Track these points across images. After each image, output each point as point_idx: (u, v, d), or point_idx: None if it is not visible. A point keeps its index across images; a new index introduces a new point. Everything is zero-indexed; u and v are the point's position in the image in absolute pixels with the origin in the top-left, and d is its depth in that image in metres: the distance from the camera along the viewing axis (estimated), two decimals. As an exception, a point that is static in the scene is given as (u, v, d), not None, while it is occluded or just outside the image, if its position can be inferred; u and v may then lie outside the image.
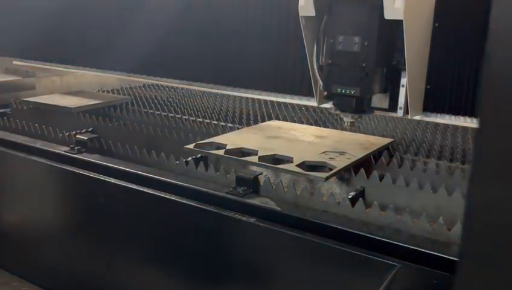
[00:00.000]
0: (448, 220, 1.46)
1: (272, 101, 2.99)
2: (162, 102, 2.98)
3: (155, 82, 2.78)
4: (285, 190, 1.70)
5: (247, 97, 3.11)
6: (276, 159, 1.80)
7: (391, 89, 1.77)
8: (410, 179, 1.69)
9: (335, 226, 1.53)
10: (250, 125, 2.42)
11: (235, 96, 3.17)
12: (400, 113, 1.75)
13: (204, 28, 2.26)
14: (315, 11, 1.68)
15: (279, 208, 1.63)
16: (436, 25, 1.69)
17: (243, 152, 1.86)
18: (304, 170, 1.67)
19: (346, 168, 1.74)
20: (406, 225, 1.49)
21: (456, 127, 2.46)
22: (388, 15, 1.55)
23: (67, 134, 2.32)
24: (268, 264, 1.64)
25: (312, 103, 2.00)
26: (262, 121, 2.50)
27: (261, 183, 1.74)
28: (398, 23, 1.56)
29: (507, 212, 0.58)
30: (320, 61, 1.77)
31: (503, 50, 0.56)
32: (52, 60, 2.90)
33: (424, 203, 1.62)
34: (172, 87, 3.50)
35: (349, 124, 1.81)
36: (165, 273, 1.90)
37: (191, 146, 1.92)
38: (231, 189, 1.74)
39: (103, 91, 3.24)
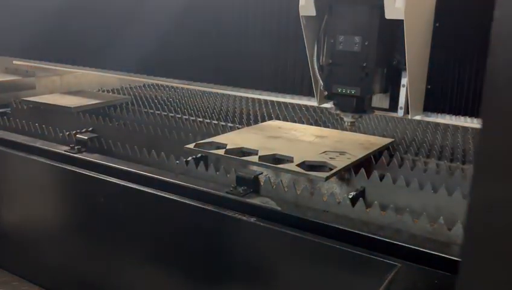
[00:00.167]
0: (448, 220, 1.45)
1: (272, 101, 2.99)
2: (162, 102, 2.97)
3: (155, 82, 2.79)
4: (286, 189, 1.70)
5: (247, 97, 3.11)
6: (276, 159, 1.80)
7: (391, 89, 1.77)
8: (410, 179, 1.68)
9: (335, 226, 1.52)
10: (250, 125, 2.42)
11: (235, 96, 3.17)
12: (400, 113, 1.75)
13: (204, 27, 2.26)
14: (316, 10, 1.67)
15: (279, 208, 1.63)
16: (437, 24, 1.69)
17: (243, 152, 1.86)
18: (304, 169, 1.67)
19: (347, 168, 1.74)
20: (407, 225, 1.49)
21: (456, 127, 2.46)
22: (389, 15, 1.55)
23: (67, 133, 2.32)
24: (269, 264, 1.63)
25: (312, 102, 2.00)
26: (262, 121, 2.50)
27: (262, 183, 1.74)
28: (399, 23, 1.56)
29: (510, 212, 0.58)
30: (320, 61, 1.77)
31: (506, 50, 0.56)
32: (52, 60, 2.90)
33: (425, 203, 1.62)
34: (172, 87, 3.50)
35: (349, 123, 1.81)
36: (165, 273, 1.90)
37: (191, 146, 1.92)
38: (231, 189, 1.74)
39: (103, 91, 3.24)
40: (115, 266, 2.06)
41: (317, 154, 1.82)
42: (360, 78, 1.65)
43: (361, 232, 1.48)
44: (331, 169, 1.68)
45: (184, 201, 1.77)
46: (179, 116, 2.66)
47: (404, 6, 1.51)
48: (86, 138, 2.21)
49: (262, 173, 1.80)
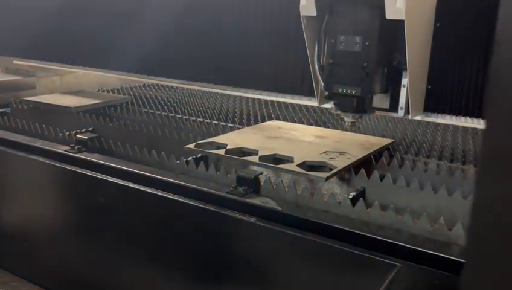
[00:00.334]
0: (448, 220, 1.46)
1: (272, 101, 2.99)
2: (162, 102, 2.97)
3: (156, 82, 2.79)
4: (286, 189, 1.70)
5: (247, 97, 3.11)
6: (276, 159, 1.80)
7: (392, 89, 1.77)
8: (410, 179, 1.69)
9: (336, 226, 1.52)
10: (251, 125, 2.42)
11: (235, 96, 3.18)
12: (401, 113, 1.75)
13: (204, 27, 2.26)
14: (316, 11, 1.67)
15: (279, 208, 1.63)
16: (437, 25, 1.69)
17: (243, 152, 1.86)
18: (304, 169, 1.67)
19: (347, 168, 1.74)
20: (407, 225, 1.49)
21: (456, 128, 2.46)
22: (389, 15, 1.55)
23: (67, 133, 2.32)
24: (269, 264, 1.64)
25: (313, 103, 2.00)
26: (262, 121, 2.50)
27: (262, 183, 1.74)
28: (399, 23, 1.56)
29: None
30: (321, 61, 1.77)
31: (510, 50, 0.56)
32: (52, 60, 2.90)
33: (425, 204, 1.62)
34: (172, 87, 3.50)
35: (350, 124, 1.81)
36: (165, 273, 1.90)
37: (191, 146, 1.92)
38: (232, 189, 1.74)
39: (103, 91, 3.24)
40: (115, 266, 2.06)
41: (318, 154, 1.83)
42: (361, 78, 1.65)
43: (361, 233, 1.48)
44: (332, 169, 1.68)
45: (184, 201, 1.77)
46: (179, 116, 2.66)
47: (404, 6, 1.51)
48: (86, 137, 2.21)
49: (262, 173, 1.80)
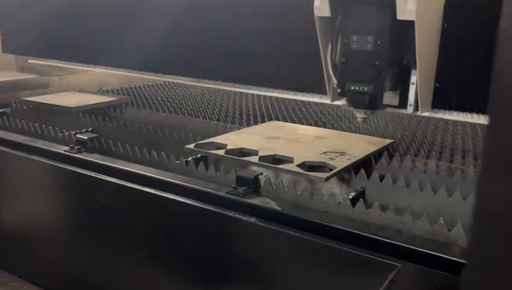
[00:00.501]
0: (448, 220, 1.46)
1: (272, 102, 2.99)
2: (162, 102, 2.97)
3: (170, 80, 2.89)
4: (286, 190, 1.70)
5: (247, 98, 3.12)
6: (276, 159, 1.80)
7: (401, 86, 1.83)
8: (410, 180, 1.69)
9: (335, 226, 1.53)
10: (251, 125, 2.42)
11: (234, 97, 3.18)
12: (410, 110, 1.80)
13: (207, 28, 2.31)
14: (330, 11, 1.73)
15: (279, 208, 1.63)
16: (445, 25, 1.74)
17: (243, 152, 1.86)
18: (304, 170, 1.67)
19: (347, 169, 1.74)
20: (407, 226, 1.49)
21: (456, 128, 2.46)
22: (401, 16, 1.60)
23: (67, 134, 2.32)
24: (269, 265, 1.64)
25: (324, 100, 2.04)
26: (262, 122, 2.50)
27: (262, 183, 1.74)
28: (409, 24, 1.61)
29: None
30: (334, 59, 1.82)
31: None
32: (67, 59, 2.97)
33: (425, 204, 1.62)
34: (172, 87, 3.50)
35: (362, 119, 1.87)
36: (165, 274, 1.90)
37: (191, 146, 1.92)
38: (231, 189, 1.74)
39: (103, 91, 3.24)
40: (115, 267, 2.06)
41: (317, 154, 1.83)
42: (373, 76, 1.71)
43: (361, 233, 1.48)
44: (331, 169, 1.68)
45: (184, 201, 1.77)
46: (179, 116, 2.65)
47: (415, 8, 1.56)
48: (86, 138, 2.21)
49: (262, 174, 1.80)
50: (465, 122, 2.39)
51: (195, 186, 1.80)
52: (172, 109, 2.81)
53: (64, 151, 2.18)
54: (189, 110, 2.78)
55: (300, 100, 3.05)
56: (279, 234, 1.57)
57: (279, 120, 2.53)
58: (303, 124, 2.48)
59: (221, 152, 1.85)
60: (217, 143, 1.94)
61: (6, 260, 2.45)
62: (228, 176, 1.82)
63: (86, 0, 2.75)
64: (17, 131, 2.48)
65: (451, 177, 1.74)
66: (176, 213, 1.82)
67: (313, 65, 1.98)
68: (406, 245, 1.41)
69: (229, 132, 2.26)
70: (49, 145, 2.27)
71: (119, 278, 2.06)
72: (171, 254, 1.86)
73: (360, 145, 1.98)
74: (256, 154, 1.80)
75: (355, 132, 2.31)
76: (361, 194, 1.70)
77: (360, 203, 1.58)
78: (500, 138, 0.58)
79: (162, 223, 1.88)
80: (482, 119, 1.76)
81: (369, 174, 1.76)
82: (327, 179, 1.62)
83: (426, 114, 1.84)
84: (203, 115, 2.68)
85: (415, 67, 1.71)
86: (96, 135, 2.26)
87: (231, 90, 3.38)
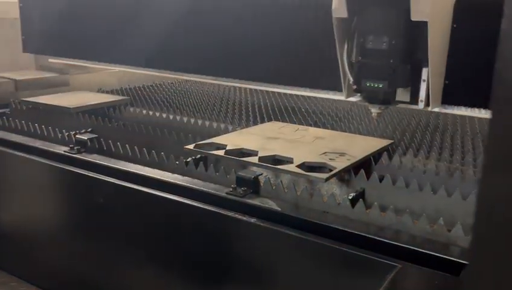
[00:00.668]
0: (448, 221, 1.46)
1: (272, 103, 2.99)
2: (162, 102, 2.97)
3: (191, 79, 3.00)
4: (286, 190, 1.70)
5: (247, 98, 3.12)
6: (276, 160, 1.80)
7: (412, 83, 1.92)
8: (410, 180, 1.69)
9: (335, 226, 1.53)
10: (250, 126, 2.42)
11: (234, 97, 3.18)
12: (421, 105, 1.89)
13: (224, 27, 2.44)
14: (347, 12, 1.83)
15: (279, 209, 1.64)
16: (455, 26, 1.85)
17: (243, 153, 1.86)
18: (304, 170, 1.67)
19: (346, 169, 1.74)
20: (406, 226, 1.49)
21: (455, 129, 2.47)
22: (414, 17, 1.71)
23: (66, 134, 2.32)
24: (269, 265, 1.64)
25: (339, 96, 2.14)
26: (262, 122, 2.51)
27: (261, 184, 1.74)
28: (422, 24, 1.70)
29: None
30: (351, 58, 1.92)
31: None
32: (86, 58, 3.10)
33: (424, 204, 1.62)
34: (172, 87, 3.50)
35: (376, 114, 1.98)
36: (165, 274, 1.90)
37: (191, 146, 1.93)
38: (231, 189, 1.74)
39: (102, 92, 3.24)
40: (114, 267, 2.05)
41: (317, 155, 1.83)
42: (387, 73, 1.82)
43: (361, 233, 1.49)
44: (331, 170, 1.68)
45: (184, 202, 1.77)
46: (179, 116, 2.65)
47: (429, 9, 1.66)
48: (86, 138, 2.21)
49: (262, 174, 1.80)
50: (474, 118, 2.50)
51: (195, 187, 1.80)
52: (172, 109, 2.81)
53: (64, 151, 2.18)
54: (189, 111, 2.78)
55: (299, 100, 3.07)
56: (279, 234, 1.57)
57: (279, 120, 2.54)
58: (302, 124, 2.48)
59: (221, 152, 1.85)
60: (217, 143, 1.94)
61: (6, 260, 2.45)
62: (228, 176, 1.82)
63: (103, 0, 2.87)
64: (16, 131, 2.47)
65: (450, 177, 1.75)
66: (176, 214, 1.82)
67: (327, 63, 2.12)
68: (405, 246, 1.42)
69: (229, 132, 2.26)
70: (48, 145, 2.27)
71: (118, 279, 2.06)
72: (171, 254, 1.86)
73: (360, 146, 1.98)
74: (256, 155, 1.80)
75: (354, 133, 2.31)
76: (361, 195, 1.70)
77: (360, 203, 1.58)
78: (501, 137, 0.58)
79: (162, 224, 1.88)
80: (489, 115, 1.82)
81: (368, 174, 1.76)
82: (327, 179, 1.62)
83: (436, 109, 1.94)
84: (202, 115, 2.68)
85: (426, 65, 1.81)
86: (95, 136, 2.26)
87: (231, 91, 3.41)
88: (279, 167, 1.71)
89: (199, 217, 1.75)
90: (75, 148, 2.18)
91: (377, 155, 1.96)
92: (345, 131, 2.36)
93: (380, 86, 1.83)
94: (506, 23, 0.57)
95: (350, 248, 1.45)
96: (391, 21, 1.78)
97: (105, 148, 2.14)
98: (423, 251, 1.39)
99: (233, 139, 2.00)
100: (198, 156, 2.00)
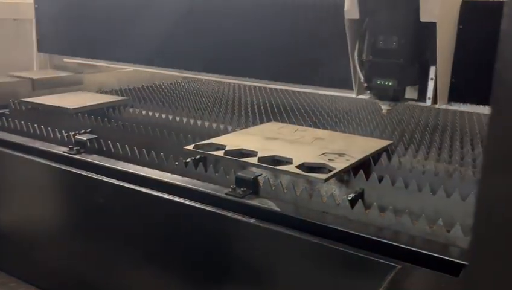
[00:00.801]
0: (447, 221, 1.46)
1: (271, 103, 2.99)
2: (161, 103, 2.98)
3: (205, 78, 3.17)
4: (285, 191, 1.70)
5: (246, 99, 3.12)
6: (275, 160, 1.80)
7: (420, 81, 1.99)
8: (409, 181, 1.69)
9: (334, 227, 1.53)
10: (250, 126, 2.43)
11: (234, 98, 3.18)
12: (428, 102, 1.98)
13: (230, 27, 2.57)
14: (359, 14, 1.92)
15: (278, 209, 1.64)
16: (461, 26, 1.93)
17: (242, 153, 1.86)
18: (303, 171, 1.67)
19: (346, 170, 1.74)
20: (406, 227, 1.49)
21: (455, 129, 2.47)
22: (424, 18, 1.78)
23: (66, 135, 2.32)
24: (268, 265, 1.64)
25: (349, 94, 2.25)
26: (261, 123, 2.51)
27: (261, 184, 1.74)
28: (430, 25, 1.78)
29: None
30: (362, 57, 2.00)
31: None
32: (100, 57, 3.20)
33: (423, 205, 1.62)
34: (171, 88, 3.50)
35: (386, 110, 2.07)
36: (164, 274, 1.90)
37: (190, 147, 1.93)
38: (231, 190, 1.74)
39: (102, 92, 3.24)
40: (114, 267, 2.05)
41: (317, 155, 1.83)
42: (397, 72, 1.90)
43: (360, 234, 1.49)
44: (330, 171, 1.69)
45: (183, 202, 1.77)
46: (179, 117, 2.65)
47: (438, 10, 1.73)
48: (85, 139, 2.21)
49: (261, 175, 1.80)
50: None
51: (195, 188, 1.80)
52: (171, 109, 2.81)
53: (63, 152, 2.18)
54: (188, 111, 2.78)
55: (299, 100, 3.07)
56: (278, 234, 1.57)
57: (279, 120, 2.54)
58: (302, 125, 2.48)
59: (221, 153, 1.85)
60: (216, 144, 1.94)
61: (5, 261, 2.45)
62: (227, 177, 1.82)
63: (117, 1, 2.95)
64: (16, 132, 2.47)
65: (449, 178, 1.75)
66: (175, 214, 1.82)
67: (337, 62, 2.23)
68: (404, 246, 1.42)
69: (228, 132, 2.26)
70: (48, 146, 2.27)
71: (117, 279, 2.05)
72: (171, 254, 1.86)
73: (359, 147, 1.98)
74: (256, 156, 1.80)
75: (354, 133, 2.32)
76: (360, 195, 1.70)
77: (359, 204, 1.58)
78: (501, 137, 0.58)
79: (161, 224, 1.88)
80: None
81: (368, 175, 1.76)
82: (326, 180, 1.62)
83: (443, 106, 2.02)
84: (202, 116, 2.68)
85: (433, 64, 1.89)
86: (95, 136, 2.26)
87: (231, 91, 3.41)
88: (278, 167, 1.72)
89: (199, 218, 1.75)
90: (75, 148, 2.18)
91: (376, 155, 1.96)
92: (344, 131, 2.36)
93: (390, 83, 1.90)
94: (506, 23, 0.57)
95: (349, 248, 1.45)
96: (401, 22, 1.86)
97: (104, 148, 2.14)
98: (422, 251, 1.39)
99: (232, 140, 2.00)
100: (198, 156, 2.00)
